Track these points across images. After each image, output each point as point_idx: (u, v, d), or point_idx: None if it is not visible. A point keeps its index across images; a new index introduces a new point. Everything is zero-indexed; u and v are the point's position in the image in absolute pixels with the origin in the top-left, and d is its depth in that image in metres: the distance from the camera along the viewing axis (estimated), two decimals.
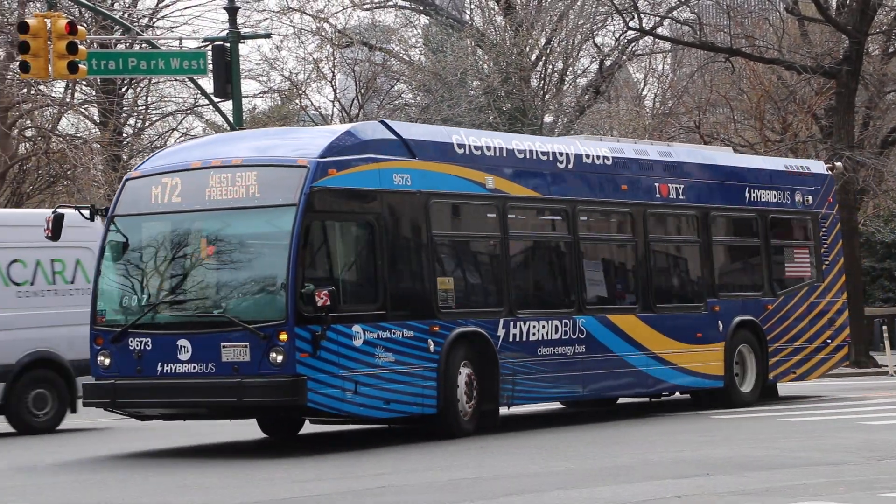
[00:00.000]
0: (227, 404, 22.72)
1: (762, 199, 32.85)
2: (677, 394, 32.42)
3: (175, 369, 22.33)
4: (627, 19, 54.30)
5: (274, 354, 21.44)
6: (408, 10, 72.35)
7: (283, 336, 21.43)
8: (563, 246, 28.29)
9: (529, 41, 63.57)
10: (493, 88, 60.90)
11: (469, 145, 26.33)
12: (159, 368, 22.42)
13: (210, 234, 23.53)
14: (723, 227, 32.56)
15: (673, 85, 70.92)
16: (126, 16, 58.86)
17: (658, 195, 30.05)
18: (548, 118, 63.38)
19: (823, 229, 34.34)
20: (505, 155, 27.01)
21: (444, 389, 24.10)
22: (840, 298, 35.03)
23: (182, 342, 22.27)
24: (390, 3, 70.96)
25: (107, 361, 23.03)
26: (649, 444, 24.83)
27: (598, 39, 66.81)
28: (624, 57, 68.29)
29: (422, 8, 71.81)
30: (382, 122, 26.08)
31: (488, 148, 26.77)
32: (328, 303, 21.09)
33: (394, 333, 23.48)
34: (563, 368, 27.38)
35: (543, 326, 26.89)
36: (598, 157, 29.02)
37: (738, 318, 31.25)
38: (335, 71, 65.94)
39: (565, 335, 27.31)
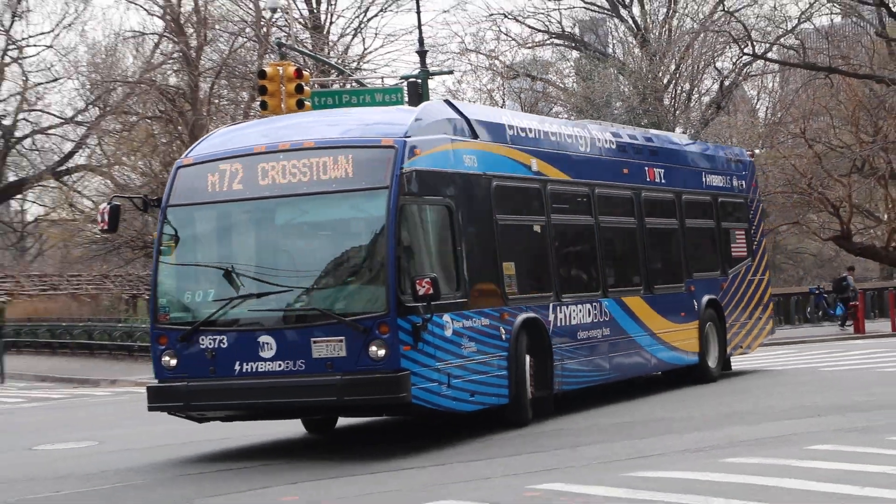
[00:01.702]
0: (325, 404, 17.83)
1: (713, 184, 29.14)
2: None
3: (256, 368, 17.47)
4: (742, 47, 54.37)
5: (374, 348, 16.94)
6: (562, 47, 73.32)
7: (385, 328, 16.95)
8: (588, 229, 23.59)
9: (662, 68, 63.69)
10: (633, 107, 60.92)
11: (516, 126, 22.04)
12: (237, 368, 17.54)
13: (288, 222, 18.84)
14: (691, 210, 27.85)
15: (781, 99, 70.55)
16: (340, 61, 59.56)
17: (647, 179, 26.06)
18: (678, 130, 63.42)
19: (752, 212, 31.20)
20: (542, 137, 22.69)
21: (515, 378, 19.71)
22: (766, 276, 31.91)
23: (264, 339, 17.49)
24: (548, 42, 71.99)
25: (173, 362, 17.97)
26: (768, 394, 24.97)
27: (719, 64, 66.20)
28: (740, 77, 68.01)
29: (573, 45, 72.78)
30: (447, 101, 21.70)
31: (530, 129, 22.47)
32: (431, 291, 16.75)
33: (475, 322, 18.97)
34: (595, 352, 23.23)
35: (580, 310, 22.60)
36: (606, 141, 25.05)
37: (706, 297, 27.50)
38: (504, 98, 67.10)
39: (595, 318, 23.17)
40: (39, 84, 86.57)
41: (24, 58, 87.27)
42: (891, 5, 51.09)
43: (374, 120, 20.26)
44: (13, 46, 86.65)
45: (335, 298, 17.69)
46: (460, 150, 19.46)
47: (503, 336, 19.63)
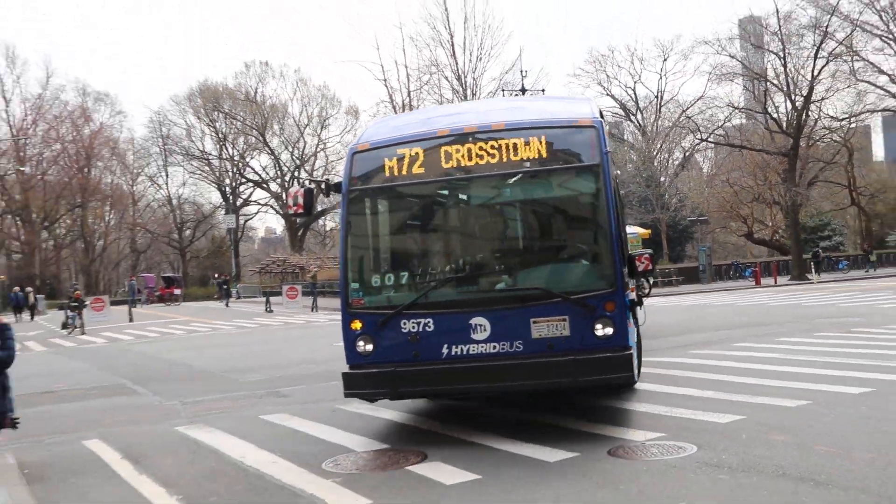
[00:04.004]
0: (556, 385, 9.34)
1: None
2: None
3: (467, 351, 9.28)
4: (695, 135, 53.39)
5: (600, 326, 9.06)
6: None
7: (611, 306, 9.16)
8: None
9: (653, 146, 63.09)
10: (638, 167, 60.41)
11: None
12: (445, 351, 9.31)
13: (490, 202, 10.14)
14: None
15: (716, 162, 69.52)
16: None
17: None
18: (662, 178, 62.80)
19: None
20: None
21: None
22: None
23: (477, 320, 9.29)
24: None
25: (369, 347, 9.59)
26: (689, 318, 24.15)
27: (683, 144, 65.72)
28: (695, 151, 66.99)
29: None
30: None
31: None
32: (650, 267, 10.07)
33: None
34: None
35: None
36: None
37: None
38: None
39: None
40: (332, 161, 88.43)
41: (326, 148, 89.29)
42: (770, 114, 50.31)
43: (546, 106, 11.57)
44: (321, 143, 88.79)
45: (555, 277, 9.53)
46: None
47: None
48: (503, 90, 47.68)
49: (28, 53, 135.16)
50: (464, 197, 10.04)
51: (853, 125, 59.61)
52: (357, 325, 9.54)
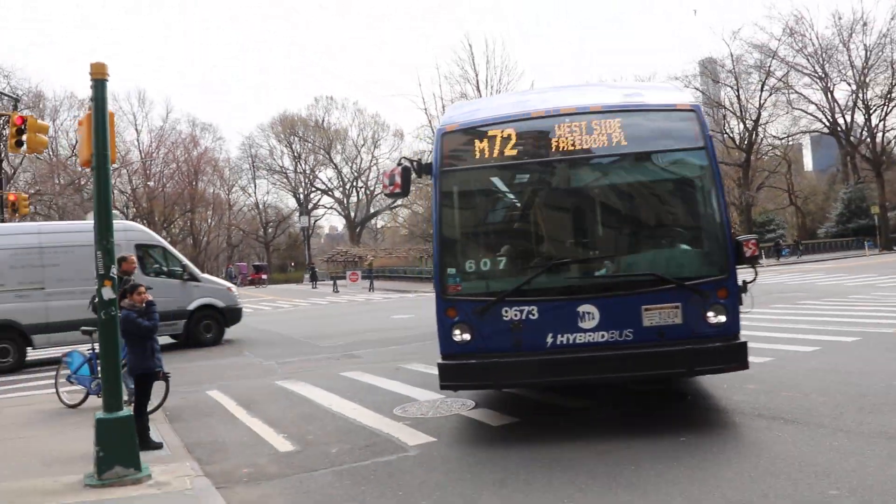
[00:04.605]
0: (671, 376, 7.09)
1: None
2: None
3: (573, 340, 6.43)
4: None
5: (712, 314, 6.39)
6: None
7: (724, 292, 6.44)
8: None
9: None
10: None
11: None
12: (549, 340, 6.46)
13: (593, 184, 6.78)
14: None
15: None
16: None
17: None
18: None
19: None
20: None
21: None
22: None
23: (585, 308, 6.40)
24: None
25: (466, 336, 6.60)
26: None
27: None
28: None
29: None
30: None
31: None
32: (757, 252, 6.74)
33: None
34: None
35: None
36: None
37: None
38: None
39: None
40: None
41: (378, 163, 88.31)
42: (727, 133, 49.76)
43: (637, 91, 7.73)
44: (374, 159, 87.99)
45: (666, 263, 6.67)
46: None
47: None
48: None
49: (154, 94, 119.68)
50: (564, 179, 6.96)
51: (790, 143, 59.45)
52: (453, 312, 6.79)
